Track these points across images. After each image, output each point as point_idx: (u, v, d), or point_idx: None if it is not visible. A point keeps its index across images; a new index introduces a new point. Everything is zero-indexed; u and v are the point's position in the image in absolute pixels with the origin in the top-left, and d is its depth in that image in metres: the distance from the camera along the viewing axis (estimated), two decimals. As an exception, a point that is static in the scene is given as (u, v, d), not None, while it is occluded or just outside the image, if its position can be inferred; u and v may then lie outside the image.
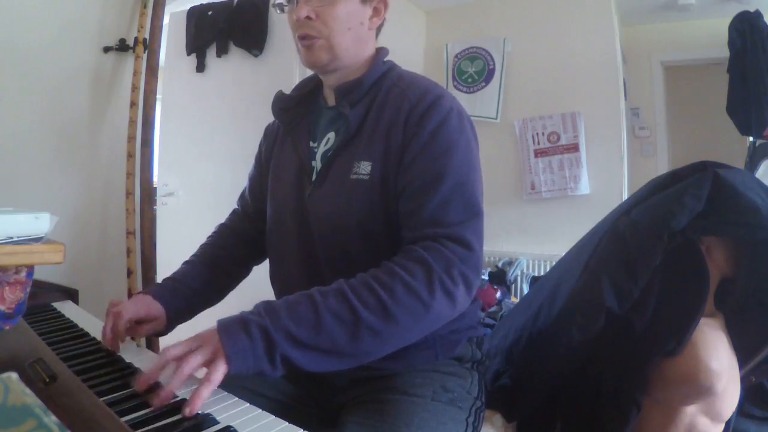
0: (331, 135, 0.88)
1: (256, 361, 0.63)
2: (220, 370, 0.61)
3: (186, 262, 0.98)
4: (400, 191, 0.78)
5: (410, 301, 0.68)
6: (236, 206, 1.10)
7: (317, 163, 0.88)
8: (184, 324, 0.92)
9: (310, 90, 0.96)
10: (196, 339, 0.65)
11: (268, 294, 0.87)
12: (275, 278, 0.96)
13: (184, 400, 0.60)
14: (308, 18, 0.80)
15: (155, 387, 0.61)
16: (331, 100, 0.90)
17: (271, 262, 0.98)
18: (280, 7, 0.86)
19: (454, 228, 0.73)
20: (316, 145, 0.90)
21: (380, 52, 0.90)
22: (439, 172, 0.76)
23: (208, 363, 0.62)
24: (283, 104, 0.95)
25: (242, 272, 1.04)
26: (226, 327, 0.64)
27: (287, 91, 0.97)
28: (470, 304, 0.92)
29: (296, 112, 0.95)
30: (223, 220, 1.09)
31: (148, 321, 0.85)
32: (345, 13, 0.81)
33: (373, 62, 0.88)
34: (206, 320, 0.91)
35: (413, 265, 0.70)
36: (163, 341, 1.14)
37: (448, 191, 0.75)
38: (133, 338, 0.84)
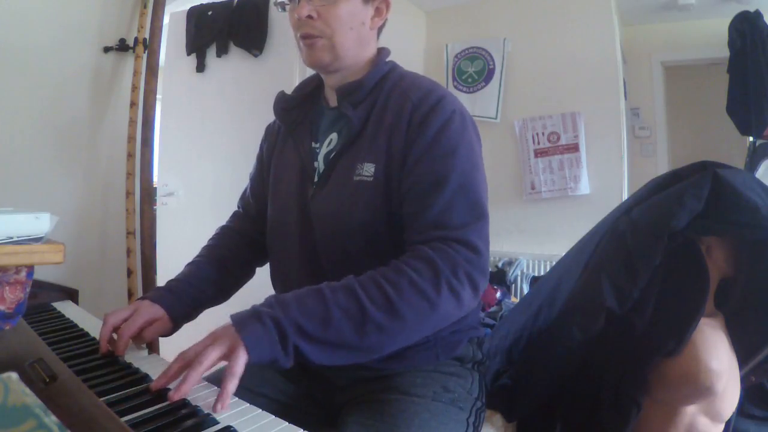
0: (334, 136, 0.88)
1: (272, 350, 0.64)
2: (241, 361, 0.62)
3: (190, 264, 0.97)
4: (404, 193, 0.78)
5: (416, 298, 0.68)
6: (237, 207, 1.09)
7: (320, 164, 0.88)
8: (187, 324, 0.91)
9: (311, 90, 0.96)
10: (211, 336, 0.66)
11: (270, 293, 0.87)
12: (276, 278, 0.96)
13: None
14: (310, 17, 0.80)
15: (167, 390, 0.61)
16: (332, 101, 0.90)
17: (271, 263, 0.98)
18: (282, 5, 0.86)
19: (459, 231, 0.73)
20: (318, 145, 0.89)
21: (382, 52, 0.90)
22: (443, 175, 0.76)
23: (227, 356, 0.63)
24: (284, 104, 0.95)
25: (247, 273, 1.03)
26: (240, 320, 0.66)
27: (288, 91, 0.97)
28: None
29: (298, 112, 0.95)
30: (223, 221, 1.08)
31: (149, 326, 0.84)
32: (347, 12, 0.81)
33: (375, 63, 0.88)
34: (207, 319, 0.91)
35: (421, 263, 0.70)
36: (165, 341, 1.13)
37: (451, 193, 0.75)
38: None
